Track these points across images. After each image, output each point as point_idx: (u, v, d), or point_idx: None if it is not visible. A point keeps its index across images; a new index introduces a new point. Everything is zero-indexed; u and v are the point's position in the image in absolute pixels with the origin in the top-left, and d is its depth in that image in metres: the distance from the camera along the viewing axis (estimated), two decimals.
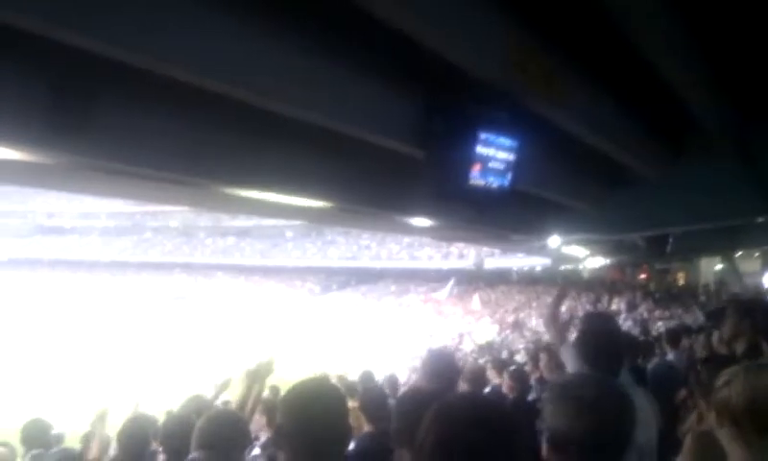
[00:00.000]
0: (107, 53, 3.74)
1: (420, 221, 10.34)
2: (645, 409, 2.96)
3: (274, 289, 49.25)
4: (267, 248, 52.52)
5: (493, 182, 6.15)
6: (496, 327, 29.88)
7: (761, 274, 26.47)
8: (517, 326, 28.40)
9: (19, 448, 4.86)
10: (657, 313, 22.87)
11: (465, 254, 40.30)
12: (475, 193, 6.04)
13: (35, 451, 4.66)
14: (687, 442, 2.29)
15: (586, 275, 33.54)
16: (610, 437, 1.69)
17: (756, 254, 27.05)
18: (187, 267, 54.47)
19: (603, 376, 2.30)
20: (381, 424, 3.35)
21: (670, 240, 13.71)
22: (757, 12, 4.65)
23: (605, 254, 17.82)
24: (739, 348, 3.98)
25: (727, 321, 4.36)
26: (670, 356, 7.08)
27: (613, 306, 27.13)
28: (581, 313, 24.91)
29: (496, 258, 37.31)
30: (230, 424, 2.74)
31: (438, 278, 41.08)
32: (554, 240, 12.25)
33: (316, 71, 4.86)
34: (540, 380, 6.63)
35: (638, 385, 3.45)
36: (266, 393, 6.46)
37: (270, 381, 4.15)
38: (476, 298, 36.29)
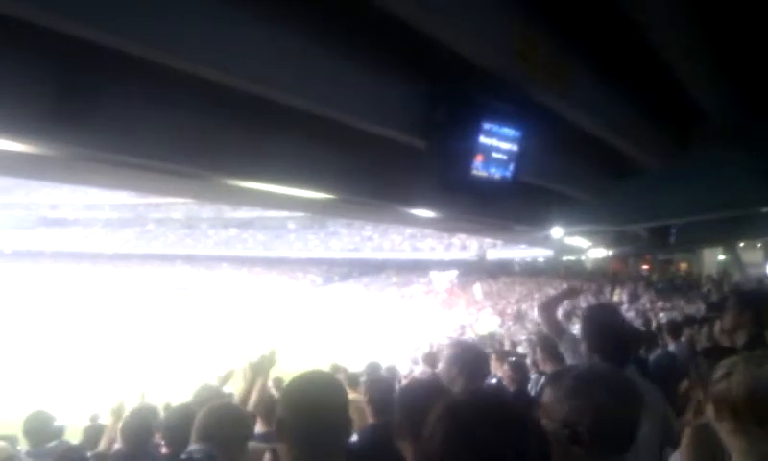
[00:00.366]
0: (110, 44, 3.74)
1: (423, 212, 10.33)
2: (653, 401, 2.98)
3: (276, 281, 49.28)
4: (269, 239, 52.51)
5: (496, 173, 6.14)
6: (498, 319, 29.91)
7: (764, 264, 26.46)
8: (519, 317, 28.40)
9: (23, 441, 4.87)
10: (659, 304, 22.83)
11: (467, 246, 40.27)
12: (478, 184, 6.03)
13: (31, 450, 4.66)
14: (686, 434, 2.29)
15: (588, 266, 33.52)
16: (619, 427, 1.69)
17: (759, 245, 27.02)
18: (190, 258, 54.51)
19: (610, 366, 2.31)
20: (386, 416, 3.35)
21: (673, 231, 13.71)
22: (762, 4, 4.62)
23: (607, 244, 17.82)
24: (740, 339, 3.98)
25: (728, 312, 4.36)
26: (671, 348, 7.08)
27: (615, 297, 27.10)
28: (583, 304, 24.91)
29: (499, 249, 37.28)
30: (230, 416, 2.73)
31: (440, 269, 41.11)
32: (557, 231, 12.25)
33: (319, 62, 4.86)
34: (541, 372, 6.64)
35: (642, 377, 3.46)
36: (269, 383, 6.48)
37: (272, 373, 4.16)
38: (477, 287, 36.30)
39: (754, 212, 11.75)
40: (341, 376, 7.03)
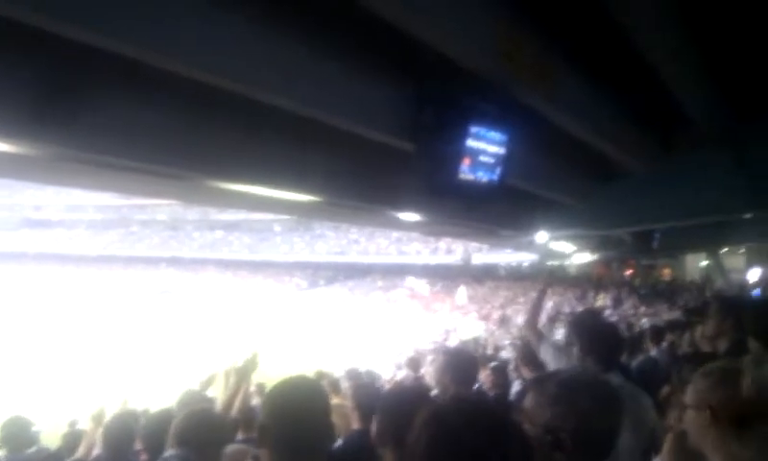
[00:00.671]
0: (94, 44, 3.70)
1: (410, 216, 10.33)
2: (643, 407, 3.01)
3: (261, 284, 49.12)
4: (255, 242, 52.37)
5: (483, 177, 6.15)
6: (483, 323, 29.99)
7: (746, 270, 26.76)
8: (504, 321, 28.50)
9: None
10: (642, 310, 23.01)
11: (452, 250, 40.39)
12: (465, 187, 6.04)
13: (9, 456, 4.61)
14: (668, 440, 2.31)
15: (572, 270, 33.72)
16: (601, 434, 1.70)
17: (741, 251, 27.32)
18: (174, 261, 54.22)
19: (593, 372, 2.33)
20: (371, 422, 3.35)
21: (656, 236, 13.81)
22: (749, 6, 4.67)
23: (591, 249, 17.93)
24: (722, 345, 4.01)
25: (710, 318, 4.39)
26: (653, 353, 7.13)
27: (599, 302, 27.28)
28: (566, 309, 25.07)
29: (484, 254, 37.42)
30: (206, 421, 2.73)
31: (425, 273, 41.21)
32: (541, 236, 12.30)
33: (305, 63, 4.84)
34: (523, 378, 6.67)
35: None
36: (252, 388, 6.46)
37: (255, 378, 4.14)
38: (461, 290, 36.39)
39: (737, 218, 11.86)
40: (325, 382, 7.01)
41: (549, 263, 28.37)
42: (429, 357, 16.97)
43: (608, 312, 22.73)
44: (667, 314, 18.46)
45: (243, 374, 3.84)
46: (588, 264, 29.71)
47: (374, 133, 5.99)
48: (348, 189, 8.20)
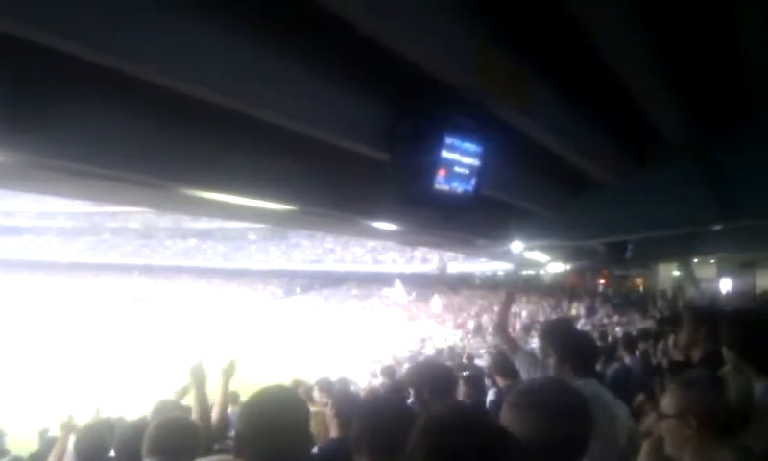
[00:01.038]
0: (66, 50, 3.64)
1: (385, 225, 10.33)
2: (618, 417, 3.04)
3: (236, 292, 48.74)
4: (229, 250, 51.96)
5: (458, 188, 6.18)
6: (459, 332, 30.08)
7: (717, 279, 27.21)
8: (479, 330, 28.61)
9: None
10: (615, 318, 23.25)
11: (428, 259, 40.45)
12: (440, 198, 6.06)
13: None
14: (644, 447, 2.33)
15: (547, 279, 33.99)
16: (567, 440, 1.71)
17: (712, 261, 27.77)
18: (147, 269, 53.59)
19: (559, 380, 2.35)
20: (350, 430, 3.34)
21: (629, 246, 13.98)
22: (719, 25, 4.76)
23: (566, 259, 18.10)
24: (696, 354, 4.06)
25: (684, 328, 4.44)
26: (627, 361, 7.20)
27: (573, 311, 27.53)
28: (541, 317, 25.25)
29: (459, 263, 37.54)
30: (180, 430, 2.71)
31: (402, 282, 41.22)
32: (516, 245, 12.38)
33: (280, 73, 4.82)
34: (497, 387, 6.69)
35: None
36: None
37: (231, 385, 4.09)
38: (436, 298, 36.49)
39: (707, 229, 12.06)
40: (301, 390, 6.96)
41: (524, 272, 28.61)
42: (405, 365, 16.99)
43: (581, 321, 22.94)
44: (640, 323, 18.70)
45: (197, 380, 3.79)
46: (563, 274, 29.97)
47: (350, 142, 5.99)
48: (323, 198, 8.18)
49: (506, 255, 15.98)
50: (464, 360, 13.40)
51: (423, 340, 27.06)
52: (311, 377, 10.04)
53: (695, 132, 7.47)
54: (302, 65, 4.95)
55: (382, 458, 2.00)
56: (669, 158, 8.22)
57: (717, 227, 10.99)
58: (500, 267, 33.01)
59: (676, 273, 29.42)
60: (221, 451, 4.24)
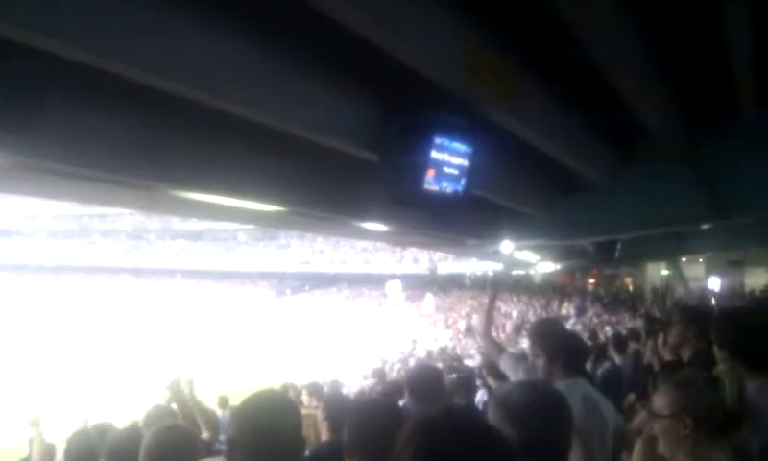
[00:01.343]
0: (53, 50, 3.61)
1: (375, 226, 10.32)
2: (609, 414, 3.06)
3: (226, 294, 48.63)
4: (219, 251, 51.85)
5: (447, 188, 6.17)
6: (449, 332, 30.14)
7: (705, 278, 27.40)
8: (470, 330, 28.67)
9: None
10: (605, 317, 23.37)
11: (418, 259, 40.54)
12: (430, 198, 6.05)
13: None
14: (637, 446, 2.33)
15: (537, 279, 34.12)
16: (546, 442, 1.73)
17: (701, 260, 27.96)
18: (136, 271, 53.37)
19: (538, 382, 2.37)
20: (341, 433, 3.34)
21: (618, 246, 14.04)
22: (708, 20, 4.78)
23: (555, 259, 18.14)
24: (686, 353, 4.08)
25: (673, 327, 4.47)
26: (617, 361, 7.23)
27: (563, 311, 27.66)
28: (532, 318, 25.33)
29: (450, 263, 37.63)
30: (177, 438, 2.66)
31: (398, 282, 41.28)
32: (506, 246, 12.39)
33: (270, 73, 4.80)
34: (488, 387, 6.71)
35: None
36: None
37: (220, 391, 4.09)
38: (429, 297, 36.56)
39: (695, 228, 12.12)
40: (291, 394, 6.96)
41: (514, 272, 28.67)
42: (396, 367, 16.99)
43: (571, 320, 23.05)
44: (630, 322, 18.80)
45: (175, 394, 3.78)
46: (553, 273, 30.07)
47: (339, 143, 5.97)
48: (312, 199, 8.15)
49: (496, 256, 15.98)
50: (453, 362, 13.42)
51: (414, 341, 27.07)
52: (301, 380, 10.04)
53: (683, 129, 7.51)
54: (291, 65, 4.93)
55: (373, 460, 2.00)
56: (657, 157, 8.25)
57: (706, 225, 11.04)
58: (490, 267, 33.10)
59: (665, 272, 29.62)
60: (213, 455, 4.22)
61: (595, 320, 22.85)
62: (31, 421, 4.60)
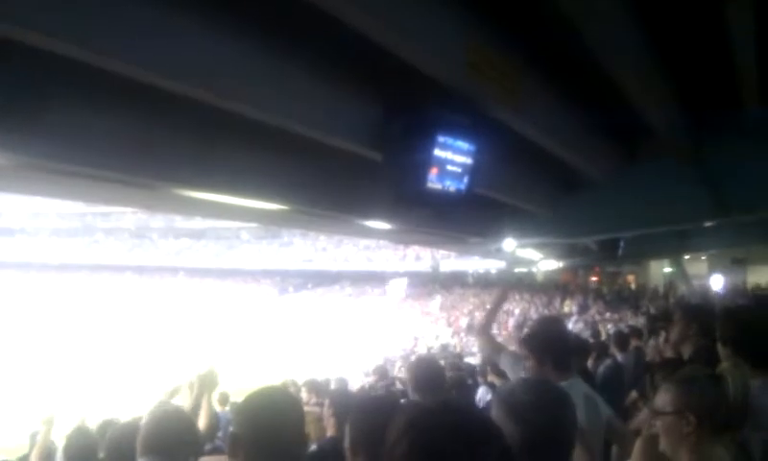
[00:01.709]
0: (54, 49, 3.62)
1: (378, 224, 10.33)
2: (604, 413, 3.06)
3: (229, 292, 48.65)
4: (222, 250, 51.87)
5: (450, 186, 6.18)
6: (451, 330, 30.14)
7: (708, 276, 27.35)
8: (472, 328, 28.65)
9: None
10: (607, 315, 23.35)
11: (421, 257, 40.52)
12: (433, 196, 6.06)
13: None
14: (638, 444, 2.33)
15: (539, 277, 34.06)
16: (550, 439, 1.73)
17: (704, 258, 27.91)
18: (139, 269, 53.43)
19: (542, 380, 2.36)
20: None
21: (621, 244, 14.03)
22: (711, 17, 4.77)
23: (558, 257, 18.12)
24: (686, 351, 4.09)
25: (675, 325, 4.47)
26: (619, 358, 7.23)
27: (566, 309, 27.64)
28: (534, 315, 25.33)
29: (452, 261, 37.60)
30: (175, 424, 2.62)
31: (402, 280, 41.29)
32: (509, 243, 12.39)
33: (273, 71, 4.81)
34: (490, 384, 6.71)
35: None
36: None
37: (220, 388, 4.11)
38: (437, 298, 36.67)
39: (698, 226, 12.12)
40: (291, 390, 6.98)
41: (517, 270, 28.68)
42: (398, 364, 16.99)
43: (574, 318, 23.03)
44: (633, 320, 18.77)
45: (207, 383, 3.79)
46: (555, 271, 30.02)
47: (342, 141, 5.98)
48: (315, 198, 8.16)
49: (498, 254, 15.99)
50: (455, 360, 13.42)
51: (416, 339, 27.09)
52: (303, 377, 10.05)
53: (686, 127, 7.50)
54: (293, 64, 4.94)
55: (378, 458, 2.00)
56: (660, 155, 8.24)
57: (709, 223, 11.04)
58: (493, 265, 33.08)
59: (667, 269, 29.55)
60: (213, 451, 4.24)
61: (597, 317, 22.83)
62: (45, 419, 4.60)
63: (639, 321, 16.10)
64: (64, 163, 5.44)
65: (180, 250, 53.67)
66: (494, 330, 4.32)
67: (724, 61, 5.47)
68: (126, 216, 54.32)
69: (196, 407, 3.71)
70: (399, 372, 13.53)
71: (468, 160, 6.23)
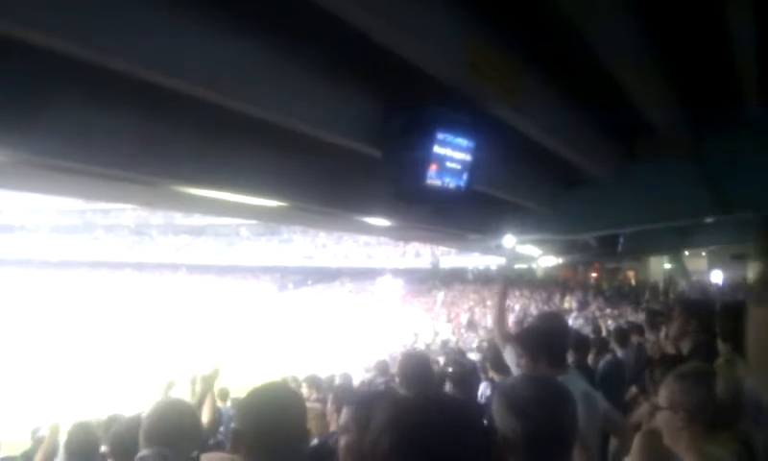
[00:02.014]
0: (53, 47, 3.62)
1: (378, 221, 10.34)
2: (600, 407, 3.08)
3: (229, 288, 48.66)
4: (222, 246, 51.88)
5: (450, 183, 6.19)
6: (451, 326, 30.17)
7: (708, 272, 27.37)
8: (471, 324, 28.70)
9: None
10: (607, 311, 23.36)
11: (421, 254, 40.53)
12: (432, 193, 6.07)
13: None
14: (637, 439, 2.35)
15: (539, 273, 34.09)
16: (551, 434, 1.73)
17: (703, 254, 27.92)
18: (139, 266, 53.43)
19: (543, 376, 2.37)
20: None
21: (621, 240, 14.04)
22: (711, 16, 4.78)
23: (557, 253, 18.14)
24: (685, 346, 4.10)
25: (674, 320, 4.49)
26: (620, 354, 7.24)
27: (566, 304, 27.66)
28: (534, 311, 25.36)
29: (452, 257, 37.61)
30: (178, 416, 2.60)
31: (394, 277, 41.26)
32: (508, 240, 12.40)
33: (273, 69, 4.81)
34: (490, 379, 6.72)
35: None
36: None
37: (220, 384, 4.13)
38: (440, 295, 36.73)
39: (698, 222, 12.13)
40: (292, 386, 6.99)
41: (517, 266, 28.69)
42: (398, 360, 16.99)
43: (574, 314, 23.06)
44: (633, 315, 18.80)
45: (208, 382, 3.82)
46: (555, 267, 30.02)
47: (341, 139, 5.98)
48: (315, 195, 8.17)
49: (498, 250, 15.99)
50: (456, 356, 13.41)
51: (416, 335, 27.09)
52: (303, 373, 10.07)
53: (686, 125, 7.51)
54: (293, 62, 4.94)
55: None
56: (660, 152, 8.25)
57: (708, 219, 11.04)
58: (493, 262, 33.08)
59: (667, 265, 29.58)
60: (215, 446, 4.26)
61: (597, 313, 22.85)
62: (51, 425, 4.61)
63: (639, 317, 16.11)
64: (64, 160, 5.45)
65: (180, 247, 53.67)
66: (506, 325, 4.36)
67: (724, 60, 5.48)
68: (125, 213, 54.30)
69: (200, 404, 3.73)
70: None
71: (468, 157, 6.24)
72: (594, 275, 33.09)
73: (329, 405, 3.81)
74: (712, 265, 28.02)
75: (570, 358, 4.40)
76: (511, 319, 24.91)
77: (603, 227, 11.73)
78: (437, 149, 5.81)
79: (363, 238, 42.55)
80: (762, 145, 7.40)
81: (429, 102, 5.55)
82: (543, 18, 4.88)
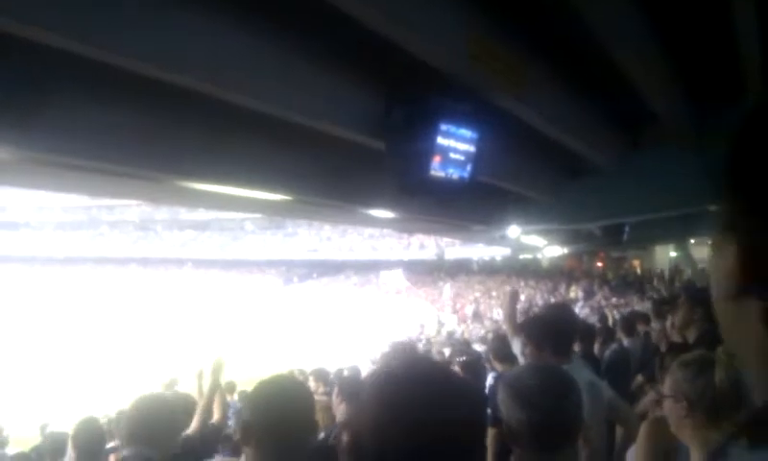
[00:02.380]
0: (53, 43, 3.63)
1: (382, 213, 10.35)
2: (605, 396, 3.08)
3: (234, 282, 48.74)
4: (227, 241, 51.92)
5: (454, 174, 6.18)
6: (456, 318, 30.19)
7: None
8: (477, 315, 28.71)
9: None
10: (613, 300, 23.31)
11: (425, 245, 40.49)
12: (436, 184, 6.07)
13: None
14: (643, 428, 2.35)
15: (544, 263, 34.04)
16: (556, 423, 1.74)
17: (710, 242, 27.79)
18: (144, 261, 53.55)
19: (548, 365, 2.37)
20: None
21: (626, 229, 14.01)
22: (715, 7, 4.76)
23: (562, 243, 18.12)
24: (691, 335, 4.10)
25: (680, 309, 4.49)
26: (626, 343, 7.23)
27: (571, 294, 27.62)
28: (540, 301, 25.35)
29: (457, 248, 37.57)
30: (156, 413, 2.59)
31: (399, 268, 41.32)
32: (513, 230, 12.40)
33: (276, 63, 4.82)
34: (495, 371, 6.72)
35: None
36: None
37: (225, 376, 4.14)
38: (447, 287, 36.75)
39: (703, 210, 12.08)
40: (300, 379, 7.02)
41: (522, 257, 28.68)
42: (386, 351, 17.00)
43: (579, 304, 23.03)
44: (638, 305, 18.75)
45: (215, 376, 3.84)
46: (560, 257, 29.98)
47: (345, 131, 5.99)
48: (319, 188, 8.18)
49: (503, 241, 16.01)
50: (462, 347, 13.44)
51: (422, 326, 27.11)
52: (310, 366, 10.09)
53: (690, 115, 7.48)
54: (296, 56, 4.95)
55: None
56: (664, 141, 8.23)
57: (713, 207, 11.00)
58: (498, 252, 33.05)
59: (673, 254, 29.49)
60: (224, 439, 4.28)
61: (603, 303, 22.81)
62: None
63: (645, 306, 16.07)
64: (67, 157, 5.47)
65: (185, 241, 53.73)
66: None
67: (728, 51, 5.45)
68: (130, 209, 54.37)
69: (209, 400, 3.75)
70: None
71: (471, 148, 6.23)
72: (600, 264, 33.02)
73: (334, 397, 3.82)
74: None
75: (576, 348, 4.41)
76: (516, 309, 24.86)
77: (606, 216, 11.72)
78: (440, 140, 5.80)
79: (367, 231, 42.54)
80: None
81: (432, 92, 5.54)
82: (546, 8, 4.88)
